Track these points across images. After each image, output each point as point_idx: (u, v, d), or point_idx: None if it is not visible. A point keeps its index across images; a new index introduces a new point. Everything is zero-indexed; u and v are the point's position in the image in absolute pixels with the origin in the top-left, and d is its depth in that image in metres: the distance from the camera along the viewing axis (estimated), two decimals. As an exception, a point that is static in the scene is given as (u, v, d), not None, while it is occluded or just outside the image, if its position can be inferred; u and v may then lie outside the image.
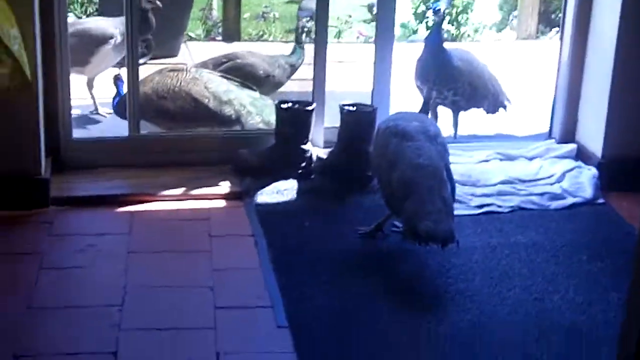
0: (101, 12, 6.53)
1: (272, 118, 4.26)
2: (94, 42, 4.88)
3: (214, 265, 3.33)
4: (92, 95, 4.98)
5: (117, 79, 4.57)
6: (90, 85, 4.96)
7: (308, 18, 5.03)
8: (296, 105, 4.17)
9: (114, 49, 4.90)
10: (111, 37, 4.92)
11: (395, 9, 4.33)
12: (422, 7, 7.84)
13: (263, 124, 4.42)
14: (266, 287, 3.17)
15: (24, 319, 2.94)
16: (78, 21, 5.67)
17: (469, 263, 3.40)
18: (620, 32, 4.01)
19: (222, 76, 4.60)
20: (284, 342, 2.86)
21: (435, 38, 4.55)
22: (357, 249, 3.49)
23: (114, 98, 4.55)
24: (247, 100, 4.48)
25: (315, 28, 4.31)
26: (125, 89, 4.31)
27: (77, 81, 4.57)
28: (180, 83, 4.41)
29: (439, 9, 4.54)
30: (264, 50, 5.43)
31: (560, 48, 4.46)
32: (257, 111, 4.46)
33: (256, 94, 4.57)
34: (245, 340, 2.90)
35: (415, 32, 8.10)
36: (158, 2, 5.00)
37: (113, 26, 4.92)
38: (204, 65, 5.01)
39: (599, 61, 4.20)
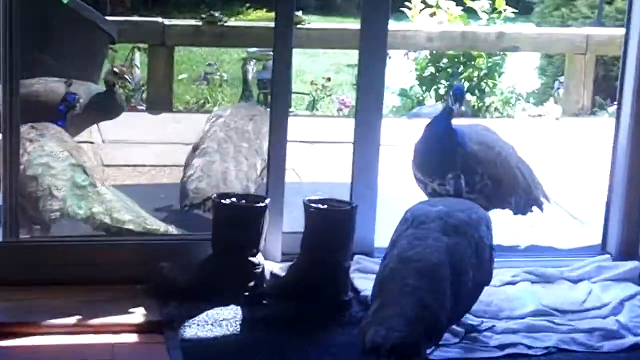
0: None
1: (121, 216, 4.36)
2: None
3: None
4: None
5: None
6: None
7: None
8: (242, 201, 4.24)
9: None
10: None
11: (384, 69, 4.46)
12: (431, 69, 8.00)
13: (90, 222, 4.48)
14: None
15: None
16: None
17: None
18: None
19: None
20: None
21: (441, 125, 4.60)
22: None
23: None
24: (64, 181, 4.57)
25: (271, 93, 4.41)
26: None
27: None
28: None
29: (455, 94, 4.58)
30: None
31: (617, 128, 4.59)
32: (77, 200, 4.53)
33: (105, 190, 4.64)
34: None
35: (421, 102, 8.25)
36: (127, 76, 5.22)
37: None
38: None
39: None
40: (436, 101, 8.02)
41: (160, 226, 4.50)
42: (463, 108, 4.58)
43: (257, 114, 5.16)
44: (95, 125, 6.45)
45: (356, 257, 4.38)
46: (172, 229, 4.53)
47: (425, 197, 4.53)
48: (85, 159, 4.75)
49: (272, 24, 4.37)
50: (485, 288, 3.90)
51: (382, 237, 4.50)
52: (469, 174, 4.49)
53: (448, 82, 5.43)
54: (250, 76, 5.39)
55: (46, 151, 4.65)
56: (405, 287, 3.50)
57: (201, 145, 5.15)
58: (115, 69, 5.52)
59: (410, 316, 3.43)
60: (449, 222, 3.71)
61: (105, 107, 5.28)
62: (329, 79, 8.45)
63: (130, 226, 4.43)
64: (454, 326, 3.82)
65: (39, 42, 5.61)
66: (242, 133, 5.14)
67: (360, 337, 3.49)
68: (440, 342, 3.72)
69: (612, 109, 7.33)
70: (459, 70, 5.26)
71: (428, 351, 3.61)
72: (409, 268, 3.56)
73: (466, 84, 7.74)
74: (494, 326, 4.02)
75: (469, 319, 3.93)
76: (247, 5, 9.74)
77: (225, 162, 5.02)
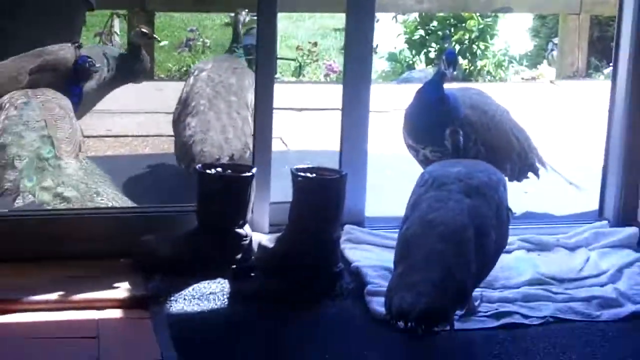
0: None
1: (74, 194, 4.40)
2: None
3: (100, 408, 3.37)
4: None
5: None
6: None
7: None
8: (228, 171, 4.24)
9: None
10: None
11: (372, 33, 4.47)
12: (421, 32, 8.00)
13: (45, 197, 4.52)
14: None
15: None
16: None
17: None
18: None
19: None
20: None
21: (433, 91, 4.62)
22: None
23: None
24: (29, 152, 4.62)
25: (257, 58, 4.41)
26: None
27: None
28: None
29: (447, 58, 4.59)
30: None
31: (614, 92, 4.61)
32: (31, 173, 4.56)
33: (72, 165, 4.69)
34: None
35: (411, 66, 8.25)
36: (156, 36, 5.35)
37: None
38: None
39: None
40: (426, 65, 8.02)
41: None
42: (455, 72, 4.57)
43: (239, 66, 5.16)
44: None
45: (346, 227, 4.40)
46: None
47: (417, 165, 4.54)
48: (63, 129, 4.77)
49: (254, -13, 4.37)
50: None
51: (373, 207, 4.52)
52: (465, 142, 4.51)
53: (439, 46, 5.41)
54: (241, 27, 5.38)
55: (22, 120, 4.73)
56: (430, 252, 3.59)
57: (191, 102, 5.17)
58: (143, 30, 5.67)
59: (436, 282, 3.51)
60: (470, 184, 3.79)
61: (134, 68, 5.38)
62: (315, 44, 8.44)
63: (71, 204, 4.47)
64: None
65: (12, 11, 5.60)
66: (229, 86, 5.16)
67: (386, 303, 3.57)
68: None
69: (608, 70, 7.33)
70: (451, 33, 5.25)
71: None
72: (433, 232, 3.64)
73: (457, 47, 7.74)
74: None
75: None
76: (229, -31, 9.71)
77: (220, 120, 5.03)
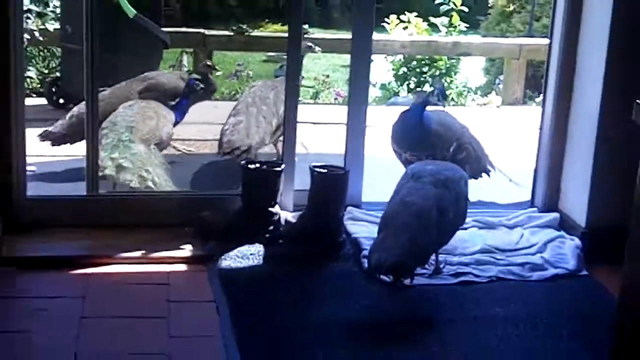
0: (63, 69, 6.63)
1: (162, 180, 4.46)
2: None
3: (171, 332, 3.35)
4: None
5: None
6: None
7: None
8: (264, 166, 4.24)
9: None
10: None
11: (369, 69, 4.44)
12: (404, 69, 7.98)
13: (139, 184, 4.50)
14: (226, 357, 3.19)
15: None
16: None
17: (443, 337, 3.44)
18: (604, 99, 4.11)
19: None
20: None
21: (416, 116, 4.55)
22: (326, 319, 3.51)
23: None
24: (115, 134, 4.65)
25: (286, 87, 4.38)
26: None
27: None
28: None
29: (440, 94, 4.59)
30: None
31: (543, 114, 4.56)
32: (110, 149, 4.58)
33: (139, 148, 4.69)
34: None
35: (396, 94, 8.24)
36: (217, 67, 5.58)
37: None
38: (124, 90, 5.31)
39: (583, 128, 4.30)
40: (407, 93, 8.01)
41: (158, 185, 4.56)
42: (444, 103, 4.58)
43: (279, 86, 5.14)
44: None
45: (348, 208, 4.37)
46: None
47: (400, 165, 4.53)
48: (144, 124, 4.85)
49: (285, 35, 4.35)
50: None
51: (368, 194, 4.52)
52: (433, 149, 4.51)
53: (431, 85, 5.44)
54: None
55: (123, 114, 4.87)
56: (402, 225, 3.64)
57: (236, 107, 5.20)
58: (208, 63, 5.74)
59: (404, 246, 3.57)
60: (438, 177, 3.82)
61: (208, 90, 5.39)
62: (327, 76, 8.44)
63: (127, 175, 4.50)
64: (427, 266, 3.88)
65: (111, 47, 5.62)
66: (264, 99, 5.15)
67: (368, 260, 3.68)
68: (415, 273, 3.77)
69: (539, 99, 7.33)
70: (439, 75, 5.27)
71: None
72: (406, 211, 3.69)
73: (429, 80, 7.73)
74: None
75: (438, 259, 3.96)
76: (267, 20, 9.70)
77: (249, 121, 5.03)
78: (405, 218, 3.68)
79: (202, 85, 5.24)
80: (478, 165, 4.73)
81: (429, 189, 3.77)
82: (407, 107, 4.66)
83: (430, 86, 5.67)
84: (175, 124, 5.09)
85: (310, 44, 5.77)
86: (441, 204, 3.73)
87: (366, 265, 3.78)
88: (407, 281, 3.75)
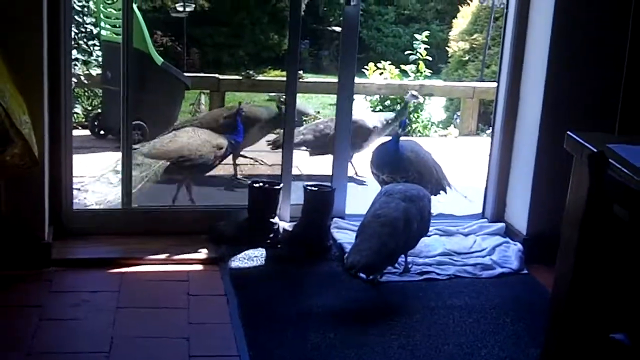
0: (103, 106, 6.64)
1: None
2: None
3: (190, 320, 3.35)
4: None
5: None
6: None
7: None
8: (266, 185, 4.24)
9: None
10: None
11: (352, 106, 4.44)
12: (380, 107, 7.99)
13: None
14: (235, 340, 3.19)
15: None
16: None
17: (411, 322, 3.45)
18: (541, 132, 4.13)
19: None
20: (248, 387, 2.89)
21: (394, 146, 4.61)
22: (316, 309, 3.51)
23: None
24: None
25: (285, 117, 4.38)
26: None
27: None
28: None
29: (406, 124, 4.66)
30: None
31: (492, 142, 4.57)
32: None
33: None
34: (215, 385, 2.92)
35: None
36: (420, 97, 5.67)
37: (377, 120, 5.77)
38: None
39: (524, 153, 4.32)
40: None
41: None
42: (405, 132, 4.61)
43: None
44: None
45: (334, 219, 4.37)
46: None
47: (378, 185, 4.56)
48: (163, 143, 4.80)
49: (284, 79, 4.36)
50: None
51: (351, 207, 4.52)
52: (406, 171, 4.53)
53: (398, 119, 5.49)
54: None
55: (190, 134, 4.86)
56: (374, 232, 3.65)
57: None
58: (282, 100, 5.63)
59: (375, 249, 3.58)
60: (406, 194, 3.85)
61: (278, 122, 5.27)
62: (318, 112, 8.43)
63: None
64: (397, 264, 3.87)
65: (142, 89, 5.64)
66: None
67: (345, 261, 3.74)
68: (387, 272, 3.76)
69: (489, 131, 7.33)
70: (405, 111, 5.32)
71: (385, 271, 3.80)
72: (378, 221, 3.69)
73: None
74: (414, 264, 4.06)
75: (407, 260, 3.96)
76: (270, 67, 9.73)
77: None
78: (376, 227, 3.68)
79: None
80: (438, 184, 4.76)
81: (398, 203, 3.78)
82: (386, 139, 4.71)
83: (396, 116, 5.71)
84: (235, 145, 4.98)
85: (415, 92, 5.77)
86: (407, 215, 3.74)
87: (344, 265, 3.79)
88: (378, 277, 3.76)
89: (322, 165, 5.37)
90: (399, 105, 7.87)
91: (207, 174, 4.94)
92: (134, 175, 4.36)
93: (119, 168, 4.32)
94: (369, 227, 3.69)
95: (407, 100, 5.86)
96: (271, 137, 5.56)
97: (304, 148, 5.60)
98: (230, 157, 5.15)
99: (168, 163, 4.64)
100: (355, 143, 5.28)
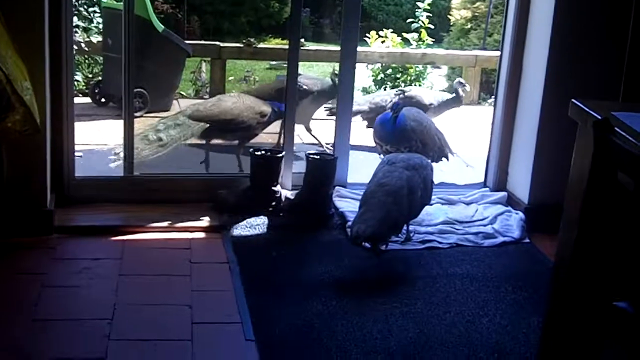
0: (104, 73, 6.61)
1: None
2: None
3: (192, 287, 3.36)
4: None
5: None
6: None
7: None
8: (268, 153, 4.23)
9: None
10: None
11: (354, 75, 4.41)
12: (382, 75, 7.96)
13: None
14: (237, 307, 3.20)
15: (29, 330, 2.96)
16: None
17: (413, 290, 3.46)
18: (544, 99, 4.12)
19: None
20: (251, 353, 2.90)
21: (388, 121, 4.60)
22: (318, 276, 3.52)
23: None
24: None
25: (286, 89, 4.36)
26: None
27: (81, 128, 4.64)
28: None
29: (399, 106, 4.63)
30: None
31: (494, 112, 4.56)
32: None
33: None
34: (217, 351, 2.93)
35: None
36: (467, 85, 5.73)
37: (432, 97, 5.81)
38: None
39: (527, 123, 4.31)
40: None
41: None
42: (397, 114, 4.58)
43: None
44: (178, 106, 6.44)
45: (336, 187, 4.38)
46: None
47: (380, 155, 4.56)
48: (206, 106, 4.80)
49: (286, 47, 4.33)
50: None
51: (352, 176, 4.52)
52: (409, 141, 4.53)
53: (392, 101, 5.47)
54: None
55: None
56: (378, 201, 3.62)
57: None
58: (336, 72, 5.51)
59: (379, 218, 3.55)
60: (409, 163, 3.82)
61: (332, 93, 5.21)
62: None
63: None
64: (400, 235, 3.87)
65: (143, 56, 5.60)
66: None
67: (350, 230, 3.66)
68: (391, 240, 3.76)
69: (491, 100, 7.31)
70: (400, 99, 5.30)
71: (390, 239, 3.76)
72: (382, 189, 3.66)
73: (402, 84, 7.70)
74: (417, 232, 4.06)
75: (408, 229, 3.95)
76: (270, 35, 9.67)
77: None
78: (380, 196, 3.67)
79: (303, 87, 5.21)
80: (440, 152, 4.76)
81: (402, 172, 3.76)
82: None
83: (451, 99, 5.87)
84: (279, 113, 4.79)
85: (462, 80, 5.90)
86: (411, 184, 3.73)
87: (349, 234, 3.78)
88: (383, 247, 3.75)
89: (324, 133, 5.35)
90: (400, 74, 7.84)
91: (251, 140, 4.88)
92: (172, 134, 4.44)
93: (161, 127, 4.49)
94: (373, 197, 3.68)
95: (455, 87, 5.86)
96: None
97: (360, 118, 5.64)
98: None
99: (207, 125, 4.64)
100: None
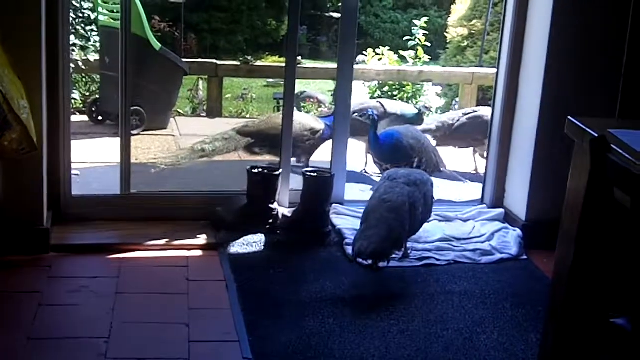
0: (102, 92, 6.62)
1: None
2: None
3: (190, 305, 3.34)
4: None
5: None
6: None
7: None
8: (266, 171, 4.23)
9: None
10: None
11: (350, 93, 4.41)
12: (378, 92, 7.99)
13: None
14: (235, 325, 3.19)
15: (25, 348, 2.94)
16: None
17: (410, 308, 3.45)
18: (541, 115, 4.13)
19: None
20: (248, 372, 2.89)
21: (373, 135, 4.73)
22: (315, 294, 3.51)
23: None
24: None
25: (283, 105, 4.36)
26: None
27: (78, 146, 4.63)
28: None
29: (372, 116, 4.68)
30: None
31: (491, 129, 4.57)
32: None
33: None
34: (214, 370, 2.92)
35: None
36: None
37: None
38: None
39: (524, 140, 4.31)
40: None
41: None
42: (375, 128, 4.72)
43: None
44: (175, 124, 6.45)
45: (333, 205, 4.37)
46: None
47: (378, 173, 4.59)
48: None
49: (283, 64, 4.34)
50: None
51: (349, 194, 4.52)
52: (409, 159, 4.56)
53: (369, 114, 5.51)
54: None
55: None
56: (380, 217, 3.63)
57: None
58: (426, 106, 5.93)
59: (382, 235, 3.56)
60: (410, 179, 3.84)
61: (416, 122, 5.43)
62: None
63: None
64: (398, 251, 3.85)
65: (140, 74, 5.62)
66: None
67: (352, 247, 3.66)
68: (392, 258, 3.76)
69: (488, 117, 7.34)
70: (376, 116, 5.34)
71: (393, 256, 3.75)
72: (383, 206, 3.67)
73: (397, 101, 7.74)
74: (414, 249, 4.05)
75: (406, 245, 3.94)
76: (267, 53, 9.71)
77: None
78: (383, 212, 3.67)
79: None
80: (435, 168, 4.79)
81: (403, 187, 3.77)
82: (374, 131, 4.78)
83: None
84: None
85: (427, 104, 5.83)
86: (412, 199, 3.74)
87: (350, 251, 3.75)
88: (383, 264, 3.73)
89: (322, 150, 5.36)
90: (397, 91, 7.87)
91: (309, 155, 5.08)
92: (217, 145, 4.70)
93: (207, 140, 4.85)
94: (376, 213, 3.68)
95: (419, 107, 5.92)
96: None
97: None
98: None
99: (253, 141, 4.81)
100: (478, 139, 5.29)
